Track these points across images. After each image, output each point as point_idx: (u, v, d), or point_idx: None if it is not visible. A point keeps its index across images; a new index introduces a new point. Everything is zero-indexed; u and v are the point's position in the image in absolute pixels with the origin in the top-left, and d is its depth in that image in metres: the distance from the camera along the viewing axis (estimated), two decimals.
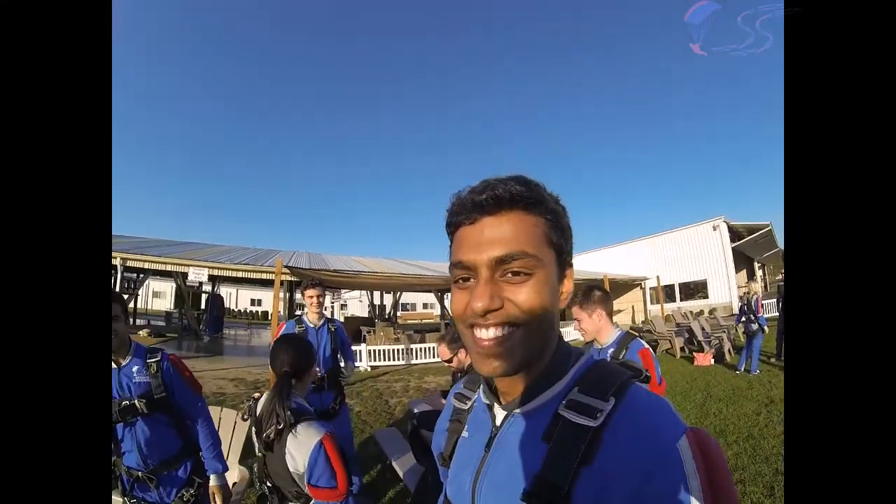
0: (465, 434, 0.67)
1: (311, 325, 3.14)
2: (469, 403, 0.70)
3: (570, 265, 0.60)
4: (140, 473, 1.66)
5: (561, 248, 0.56)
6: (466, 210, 0.54)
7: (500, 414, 0.60)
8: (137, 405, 1.66)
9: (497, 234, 0.52)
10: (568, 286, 0.58)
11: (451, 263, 0.57)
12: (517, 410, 0.57)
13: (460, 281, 0.55)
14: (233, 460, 2.39)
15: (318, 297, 3.13)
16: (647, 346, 2.03)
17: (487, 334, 0.52)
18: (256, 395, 1.57)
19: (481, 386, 0.66)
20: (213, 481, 1.82)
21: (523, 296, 0.51)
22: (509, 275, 0.52)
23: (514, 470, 0.53)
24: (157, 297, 32.35)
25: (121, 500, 1.70)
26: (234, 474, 2.36)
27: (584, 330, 2.13)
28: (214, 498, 1.81)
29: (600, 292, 2.12)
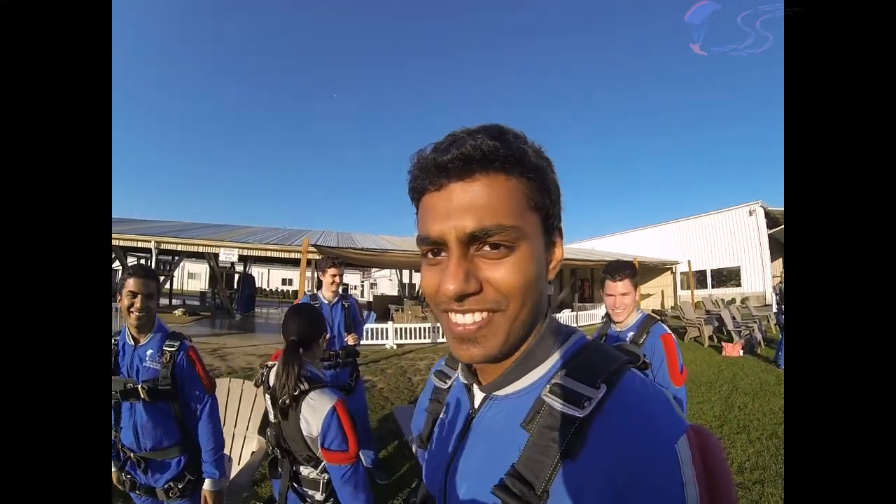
0: (442, 415, 0.62)
1: (326, 302, 3.20)
2: (449, 382, 0.65)
3: (559, 230, 0.52)
4: (133, 454, 1.63)
5: (547, 211, 0.48)
6: (430, 173, 0.46)
7: (478, 396, 0.55)
8: (140, 391, 1.61)
9: (468, 203, 0.44)
10: (557, 255, 0.51)
11: (417, 237, 0.49)
12: (497, 393, 0.52)
13: (429, 255, 0.48)
14: (253, 430, 2.52)
15: (338, 276, 3.19)
16: (669, 330, 1.91)
17: (464, 319, 0.45)
18: (270, 362, 1.59)
19: (460, 364, 0.60)
20: (207, 486, 1.72)
21: (504, 274, 0.44)
22: (486, 248, 0.44)
23: (488, 458, 0.48)
24: (192, 278, 33.76)
25: (116, 473, 1.70)
26: (254, 444, 2.49)
27: (626, 306, 1.97)
28: (206, 501, 1.72)
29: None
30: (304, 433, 1.40)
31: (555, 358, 0.50)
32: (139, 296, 1.63)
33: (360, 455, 1.44)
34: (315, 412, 1.39)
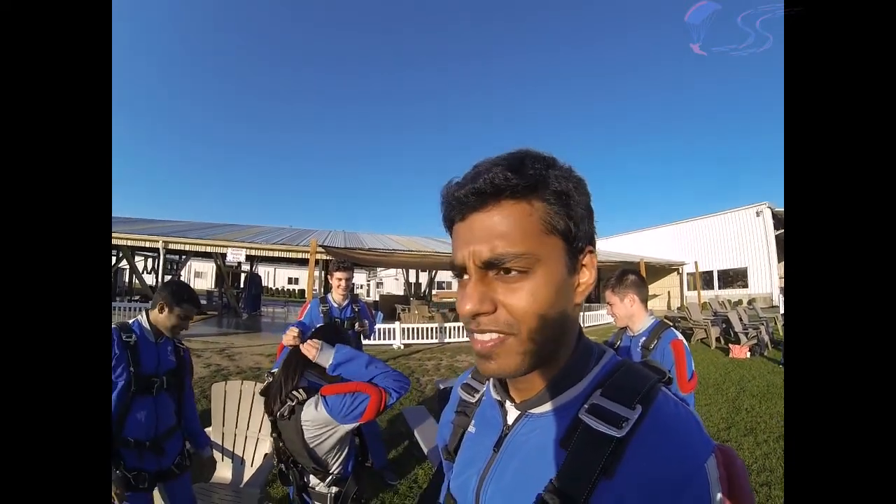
0: (471, 429, 0.63)
1: (335, 305, 3.25)
2: (476, 396, 0.66)
3: (590, 251, 0.52)
4: (147, 442, 1.83)
5: (569, 233, 0.48)
6: (454, 207, 0.50)
7: (512, 413, 0.56)
8: (165, 380, 1.91)
9: (485, 232, 0.47)
10: (587, 276, 0.51)
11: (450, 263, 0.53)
12: (532, 411, 0.53)
13: (460, 279, 0.51)
14: (265, 432, 2.53)
15: (345, 280, 3.22)
16: (680, 336, 1.95)
17: (482, 337, 0.48)
18: (275, 370, 1.58)
19: (490, 380, 0.62)
20: (207, 453, 2.22)
21: (517, 300, 0.46)
22: (502, 273, 0.47)
23: (525, 475, 0.50)
24: (199, 277, 33.75)
25: (119, 473, 1.72)
26: (266, 446, 2.52)
27: (616, 315, 2.09)
28: (209, 466, 2.18)
29: (634, 276, 2.06)
30: (308, 441, 1.39)
31: (589, 377, 0.52)
32: (187, 320, 1.94)
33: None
34: (310, 409, 1.40)
